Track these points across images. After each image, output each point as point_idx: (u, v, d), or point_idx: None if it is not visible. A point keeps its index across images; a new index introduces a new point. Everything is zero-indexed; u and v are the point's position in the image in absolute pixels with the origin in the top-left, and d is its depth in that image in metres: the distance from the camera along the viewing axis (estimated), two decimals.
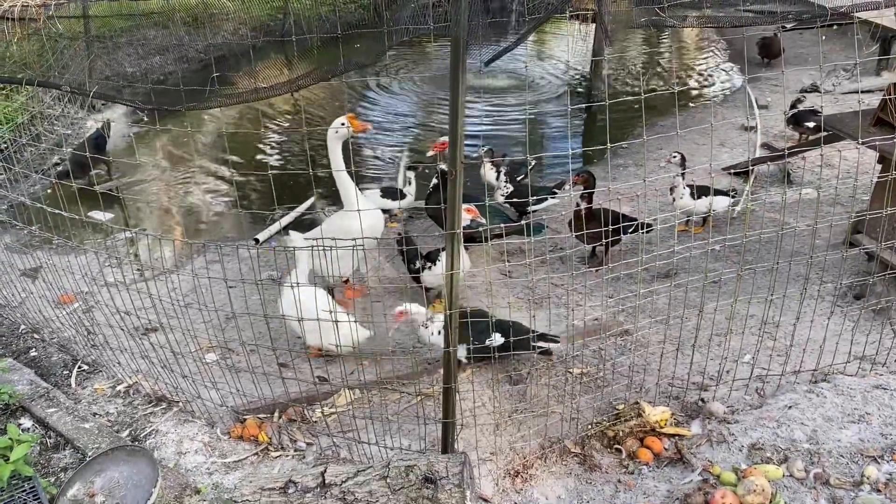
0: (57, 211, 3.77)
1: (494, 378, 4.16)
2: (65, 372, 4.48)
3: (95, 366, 4.50)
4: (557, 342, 4.12)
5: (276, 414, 3.94)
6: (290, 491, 2.93)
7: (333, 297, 5.26)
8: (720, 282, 4.82)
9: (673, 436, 3.49)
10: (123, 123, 9.00)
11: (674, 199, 6.04)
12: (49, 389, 4.15)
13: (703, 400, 3.77)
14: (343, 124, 4.63)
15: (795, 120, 8.07)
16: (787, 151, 5.66)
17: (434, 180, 5.69)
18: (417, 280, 5.03)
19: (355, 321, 4.47)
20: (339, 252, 4.36)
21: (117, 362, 4.31)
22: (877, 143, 4.18)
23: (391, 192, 6.53)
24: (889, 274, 4.26)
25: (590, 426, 3.60)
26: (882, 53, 11.01)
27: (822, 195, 6.78)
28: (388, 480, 2.86)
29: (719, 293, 4.73)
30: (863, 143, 4.22)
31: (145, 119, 9.05)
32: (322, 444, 3.72)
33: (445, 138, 5.65)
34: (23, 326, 4.93)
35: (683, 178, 6.00)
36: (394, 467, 2.89)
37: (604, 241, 5.32)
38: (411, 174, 6.48)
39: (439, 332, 4.15)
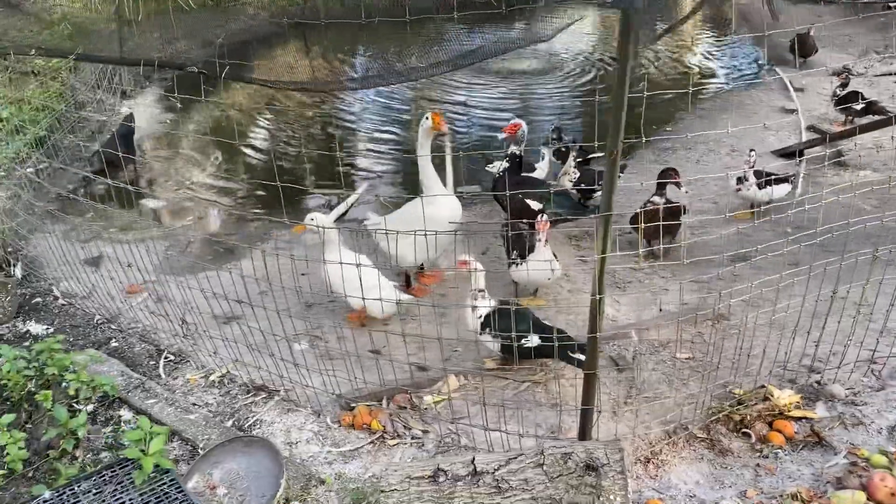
0: (111, 181, 3.66)
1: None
2: (151, 362, 4.38)
3: (181, 355, 4.40)
4: None
5: (385, 401, 3.86)
6: (441, 480, 2.86)
7: (410, 284, 5.19)
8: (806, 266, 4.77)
9: (800, 419, 3.45)
10: (157, 109, 8.85)
11: (738, 189, 5.97)
12: (143, 380, 4.06)
13: (818, 382, 3.73)
14: (427, 118, 4.59)
15: (843, 101, 8.04)
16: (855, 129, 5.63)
17: (504, 163, 5.60)
18: None
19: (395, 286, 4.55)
20: (414, 239, 4.31)
21: (213, 351, 4.22)
22: None
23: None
24: None
25: (712, 411, 3.54)
26: None
27: (879, 176, 6.76)
28: (545, 468, 2.80)
29: (809, 277, 4.70)
30: None
31: (179, 106, 8.90)
32: (437, 432, 3.65)
33: (517, 120, 5.56)
34: (98, 316, 4.82)
35: (752, 170, 5.92)
36: (549, 455, 2.83)
37: (670, 237, 5.24)
38: (546, 150, 6.34)
39: (480, 320, 4.10)
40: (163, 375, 4.24)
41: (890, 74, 9.97)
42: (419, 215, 4.72)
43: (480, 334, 4.10)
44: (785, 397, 3.45)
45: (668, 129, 8.41)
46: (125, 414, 3.86)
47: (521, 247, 4.72)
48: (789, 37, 10.60)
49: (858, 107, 7.87)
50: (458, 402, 3.83)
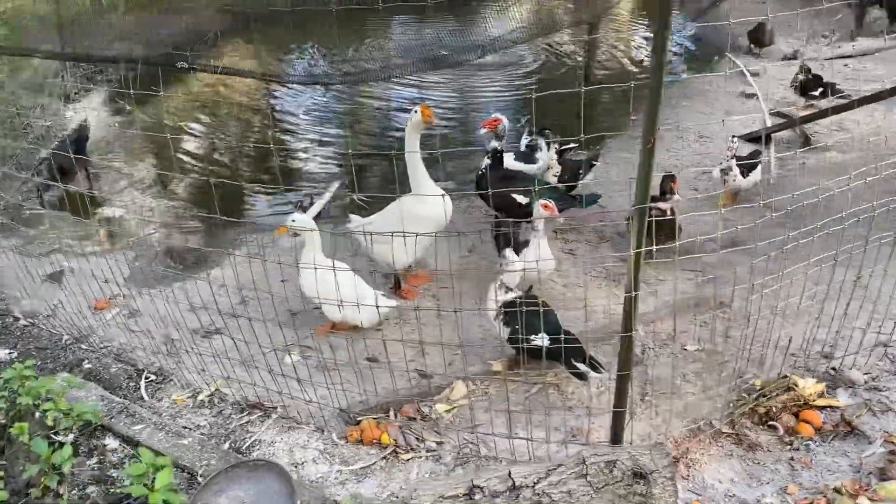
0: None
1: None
2: (131, 384, 4.06)
3: (163, 374, 4.11)
4: (601, 372, 3.73)
5: (393, 413, 3.65)
6: (477, 497, 2.68)
7: (400, 286, 4.98)
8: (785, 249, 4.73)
9: (824, 408, 3.37)
10: (105, 112, 8.40)
11: (725, 182, 5.91)
12: (126, 404, 3.75)
13: (834, 369, 3.67)
14: (416, 112, 4.37)
15: (802, 88, 8.12)
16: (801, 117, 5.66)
17: (486, 160, 5.42)
18: None
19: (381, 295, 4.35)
20: (404, 239, 4.06)
21: (201, 369, 3.93)
22: None
23: (525, 156, 6.16)
24: None
25: (732, 404, 3.45)
26: (857, 20, 11.29)
27: (845, 157, 6.84)
28: (589, 478, 2.64)
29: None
30: None
31: (128, 108, 8.46)
32: (452, 442, 3.46)
33: (497, 115, 5.40)
34: (66, 336, 4.47)
35: (735, 160, 5.86)
36: (591, 464, 2.67)
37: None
38: (542, 140, 6.11)
39: (499, 316, 4.00)
40: (146, 397, 3.93)
41: (840, 57, 10.17)
42: (410, 214, 4.53)
43: (495, 319, 4.01)
44: (809, 386, 3.38)
45: (633, 118, 8.35)
46: (110, 442, 3.56)
47: (514, 243, 4.56)
48: (743, 26, 10.66)
49: (816, 92, 7.97)
50: (469, 408, 3.65)
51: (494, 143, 5.37)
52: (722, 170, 5.86)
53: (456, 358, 4.14)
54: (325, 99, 9.51)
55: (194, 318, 4.33)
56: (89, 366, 4.22)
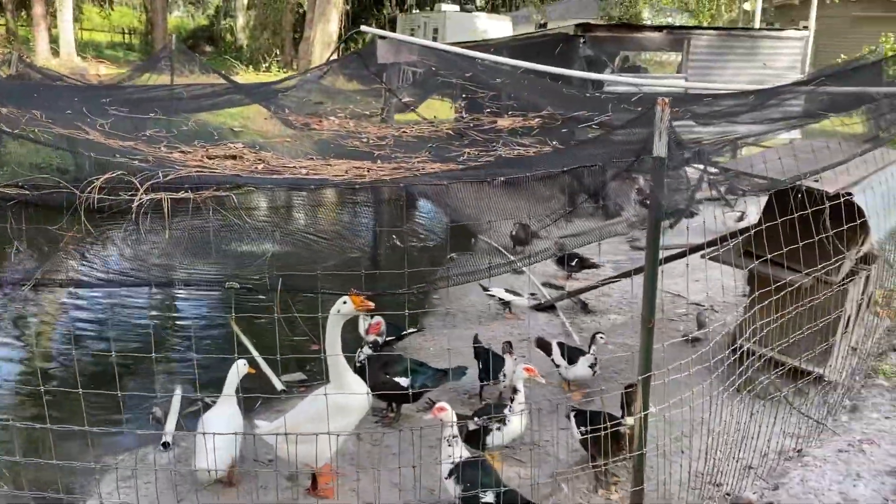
0: None
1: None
2: None
3: None
4: None
5: None
6: None
7: (317, 486, 4.87)
8: None
9: None
10: None
11: (595, 374, 6.23)
12: None
13: (728, 494, 4.45)
14: (344, 302, 4.52)
15: (561, 261, 9.66)
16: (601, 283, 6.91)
17: (365, 349, 5.66)
18: (476, 444, 4.85)
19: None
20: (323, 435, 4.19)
21: None
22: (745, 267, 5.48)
23: None
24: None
25: None
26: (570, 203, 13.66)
27: (626, 318, 8.23)
28: None
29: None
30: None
31: None
32: None
33: (378, 319, 5.77)
34: None
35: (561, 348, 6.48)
36: None
37: None
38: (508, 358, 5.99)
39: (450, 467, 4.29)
40: None
41: (571, 236, 12.21)
42: (333, 406, 4.52)
43: (446, 479, 4.26)
44: None
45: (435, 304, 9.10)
46: None
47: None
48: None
49: (573, 263, 9.55)
50: None
51: (376, 338, 5.70)
52: (590, 365, 6.18)
53: None
54: None
55: None
56: None
